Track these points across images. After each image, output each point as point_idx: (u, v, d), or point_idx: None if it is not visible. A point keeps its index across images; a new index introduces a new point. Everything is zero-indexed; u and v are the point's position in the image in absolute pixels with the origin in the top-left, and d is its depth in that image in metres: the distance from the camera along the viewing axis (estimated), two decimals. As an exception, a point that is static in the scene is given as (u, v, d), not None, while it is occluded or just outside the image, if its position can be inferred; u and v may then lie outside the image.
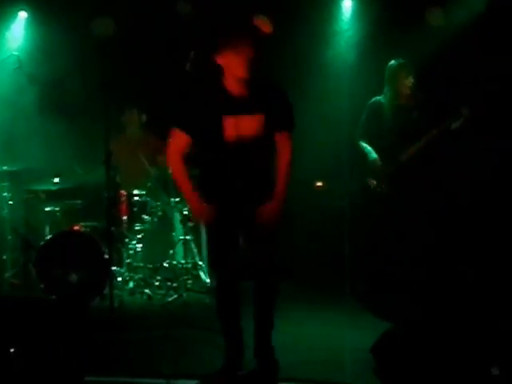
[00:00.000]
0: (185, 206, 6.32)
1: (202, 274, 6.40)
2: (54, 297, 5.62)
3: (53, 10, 6.77)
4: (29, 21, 6.91)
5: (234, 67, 3.83)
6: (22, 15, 6.87)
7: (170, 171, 4.26)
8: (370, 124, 5.74)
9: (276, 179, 3.98)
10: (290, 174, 4.00)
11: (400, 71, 5.59)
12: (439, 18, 6.43)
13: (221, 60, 3.88)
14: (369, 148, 5.77)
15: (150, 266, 6.41)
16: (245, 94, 3.89)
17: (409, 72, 5.58)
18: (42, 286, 5.82)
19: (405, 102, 5.61)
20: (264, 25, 6.61)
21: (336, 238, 6.21)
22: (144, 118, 6.77)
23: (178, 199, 6.36)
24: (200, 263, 6.45)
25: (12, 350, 4.04)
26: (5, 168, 6.24)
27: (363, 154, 5.77)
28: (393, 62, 5.66)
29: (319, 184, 6.76)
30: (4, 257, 6.37)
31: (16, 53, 6.40)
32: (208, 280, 6.35)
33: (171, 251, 6.37)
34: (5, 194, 6.34)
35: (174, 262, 6.32)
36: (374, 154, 5.72)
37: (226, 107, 3.87)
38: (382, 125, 5.67)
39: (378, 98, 5.75)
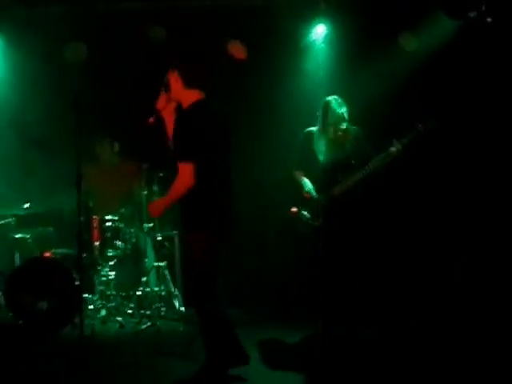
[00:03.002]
0: (158, 232, 6.24)
1: (175, 302, 6.29)
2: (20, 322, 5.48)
3: (26, 36, 6.73)
4: (2, 46, 6.84)
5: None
6: (-4, 42, 6.83)
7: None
8: (304, 154, 5.55)
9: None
10: (176, 198, 4.35)
11: (332, 111, 5.36)
12: (412, 43, 6.49)
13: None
14: (305, 179, 5.53)
15: (123, 293, 6.30)
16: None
17: (339, 114, 5.33)
18: (10, 314, 5.67)
19: (337, 138, 5.42)
20: (238, 50, 6.64)
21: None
22: (117, 146, 6.71)
23: (151, 225, 6.27)
24: (174, 290, 6.34)
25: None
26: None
27: (298, 185, 5.55)
28: (327, 98, 5.44)
29: (294, 210, 6.68)
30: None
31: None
32: (182, 308, 6.25)
33: (144, 278, 6.27)
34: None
35: (148, 290, 6.21)
36: (309, 186, 5.48)
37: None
38: (316, 157, 5.47)
39: (313, 128, 5.55)
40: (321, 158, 5.45)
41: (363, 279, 5.57)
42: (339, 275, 5.31)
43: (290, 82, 6.72)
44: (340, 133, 5.39)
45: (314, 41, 6.76)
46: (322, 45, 6.73)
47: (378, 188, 5.60)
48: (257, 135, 6.75)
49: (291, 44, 6.73)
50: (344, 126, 5.38)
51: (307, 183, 5.49)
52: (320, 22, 6.71)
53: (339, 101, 5.41)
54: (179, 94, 4.41)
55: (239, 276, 6.53)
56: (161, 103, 4.51)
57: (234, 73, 6.65)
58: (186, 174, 4.22)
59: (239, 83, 6.69)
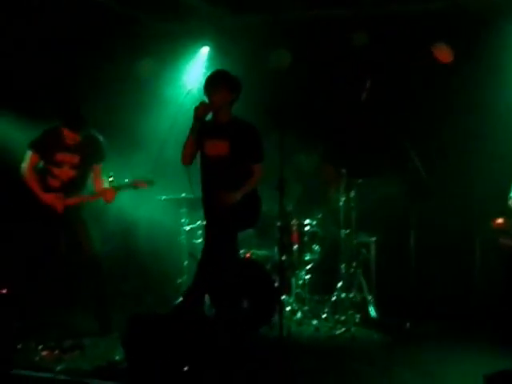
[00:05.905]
0: (355, 238, 6.23)
1: (371, 309, 6.23)
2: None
3: (233, 44, 7.03)
4: (210, 55, 7.20)
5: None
6: (204, 50, 7.18)
7: None
8: None
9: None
10: (249, 190, 5.08)
11: None
12: None
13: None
14: None
15: (317, 297, 6.37)
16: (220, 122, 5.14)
17: None
18: (213, 310, 5.93)
19: None
20: (444, 54, 6.45)
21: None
22: (321, 148, 6.78)
23: (348, 231, 6.27)
24: (369, 298, 6.29)
25: (185, 369, 4.16)
26: (183, 195, 6.50)
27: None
28: None
29: (500, 221, 6.31)
30: (179, 281, 6.61)
31: (194, 89, 6.72)
32: (377, 316, 6.18)
33: (339, 284, 6.28)
34: (182, 220, 6.61)
35: (343, 296, 6.21)
36: None
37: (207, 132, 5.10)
38: None
39: None
40: None
41: None
42: None
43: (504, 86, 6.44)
44: None
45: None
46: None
47: None
48: (468, 137, 6.63)
49: (503, 47, 6.41)
50: None
51: None
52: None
53: None
54: (224, 108, 5.10)
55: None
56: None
57: (445, 75, 6.53)
58: (260, 172, 5.09)
59: (448, 86, 6.54)
